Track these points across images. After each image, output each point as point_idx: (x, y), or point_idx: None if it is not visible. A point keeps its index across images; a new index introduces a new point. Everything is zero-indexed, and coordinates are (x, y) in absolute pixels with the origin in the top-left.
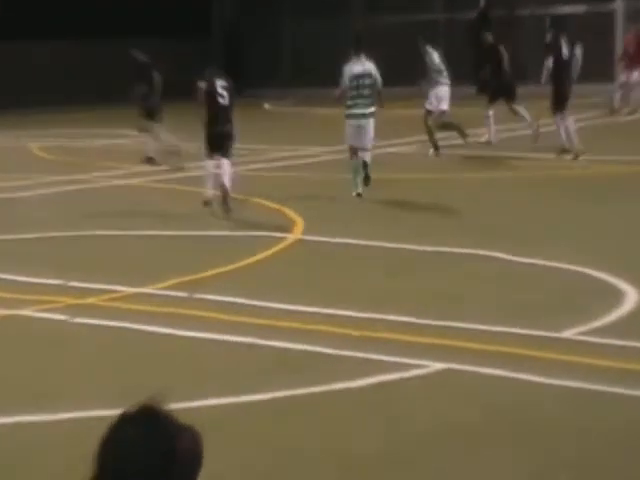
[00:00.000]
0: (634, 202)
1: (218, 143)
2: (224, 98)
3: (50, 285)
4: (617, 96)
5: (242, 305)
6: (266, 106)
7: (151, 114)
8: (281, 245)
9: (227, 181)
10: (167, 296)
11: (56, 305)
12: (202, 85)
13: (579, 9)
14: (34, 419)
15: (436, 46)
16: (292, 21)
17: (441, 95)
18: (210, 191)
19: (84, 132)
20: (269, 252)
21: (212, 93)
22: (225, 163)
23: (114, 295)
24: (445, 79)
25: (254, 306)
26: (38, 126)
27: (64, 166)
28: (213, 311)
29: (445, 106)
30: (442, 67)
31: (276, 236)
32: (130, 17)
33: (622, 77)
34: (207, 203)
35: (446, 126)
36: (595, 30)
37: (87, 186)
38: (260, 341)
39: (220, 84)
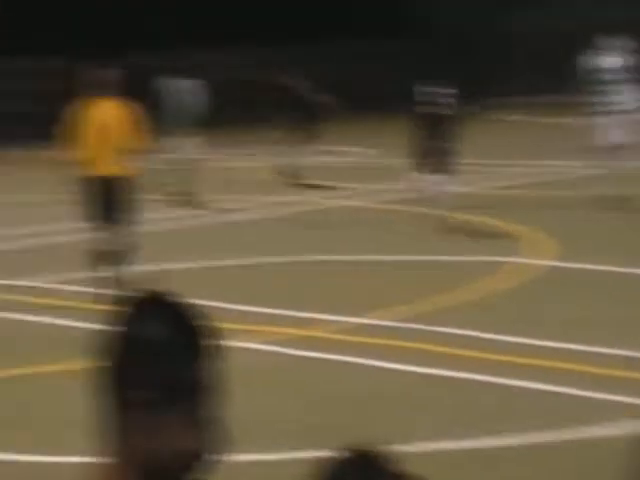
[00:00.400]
0: None
1: (436, 159)
2: (443, 108)
3: (267, 314)
4: None
5: (472, 338)
6: (500, 116)
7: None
8: (518, 271)
9: (444, 198)
10: (391, 327)
11: (277, 337)
12: (420, 106)
13: None
14: (257, 457)
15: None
16: (522, 18)
17: None
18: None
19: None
20: (503, 279)
21: (430, 104)
22: (442, 180)
23: (336, 326)
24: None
25: (486, 340)
26: (257, 143)
27: (282, 186)
28: (439, 345)
29: None
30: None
31: (512, 261)
32: (336, 17)
33: None
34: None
35: None
36: None
37: (305, 208)
38: (493, 379)
39: (439, 93)
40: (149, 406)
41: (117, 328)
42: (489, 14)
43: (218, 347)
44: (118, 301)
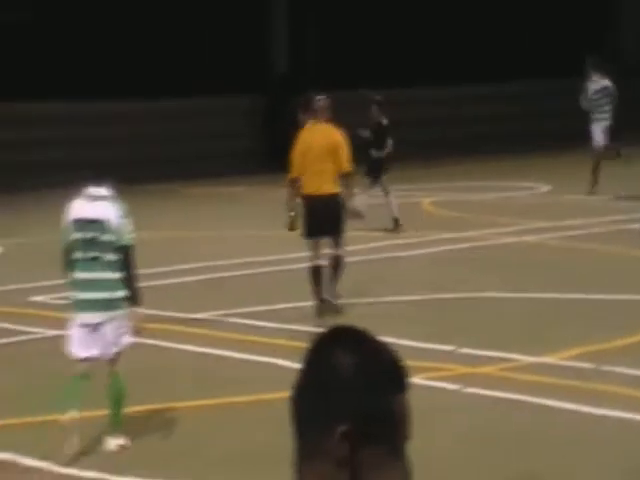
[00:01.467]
0: None
1: None
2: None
3: (440, 351)
4: None
5: None
6: None
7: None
8: None
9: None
10: (568, 367)
11: (447, 373)
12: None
13: None
14: None
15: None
16: None
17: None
18: None
19: (476, 185)
20: None
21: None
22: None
23: (510, 364)
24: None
25: None
26: (429, 179)
27: (453, 222)
28: (623, 386)
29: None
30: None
31: None
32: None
33: None
34: None
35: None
36: None
37: (477, 244)
38: None
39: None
40: (344, 437)
41: (308, 361)
42: None
43: (405, 381)
44: (312, 336)
